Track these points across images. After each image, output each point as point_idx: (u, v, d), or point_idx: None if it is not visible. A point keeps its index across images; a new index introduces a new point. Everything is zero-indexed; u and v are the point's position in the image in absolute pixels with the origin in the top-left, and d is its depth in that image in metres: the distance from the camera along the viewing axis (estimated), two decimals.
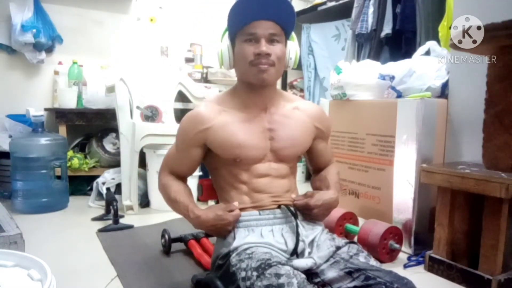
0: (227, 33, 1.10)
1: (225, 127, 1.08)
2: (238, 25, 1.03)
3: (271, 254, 0.94)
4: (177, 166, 1.17)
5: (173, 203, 1.13)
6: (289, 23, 1.06)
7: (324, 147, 1.24)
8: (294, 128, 1.13)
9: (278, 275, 0.84)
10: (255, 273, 0.87)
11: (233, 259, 0.96)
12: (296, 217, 1.05)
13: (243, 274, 0.90)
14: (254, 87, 1.07)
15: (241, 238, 1.01)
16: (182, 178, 1.19)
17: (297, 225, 1.03)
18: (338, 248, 1.00)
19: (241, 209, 1.06)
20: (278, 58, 1.04)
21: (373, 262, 0.96)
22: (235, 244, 1.00)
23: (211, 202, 1.43)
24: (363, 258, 0.97)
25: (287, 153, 1.11)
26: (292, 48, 1.10)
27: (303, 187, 1.34)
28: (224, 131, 1.08)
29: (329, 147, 1.28)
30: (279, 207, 1.08)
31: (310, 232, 1.06)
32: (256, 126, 1.09)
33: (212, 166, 1.17)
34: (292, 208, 1.07)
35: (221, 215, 1.02)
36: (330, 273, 0.95)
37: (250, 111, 1.10)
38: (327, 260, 0.98)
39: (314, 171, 1.29)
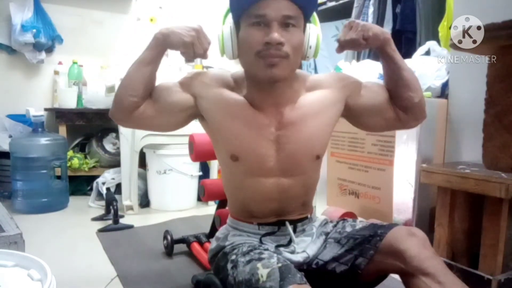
0: (230, 14, 0.88)
1: (221, 102, 0.90)
2: (243, 4, 0.81)
3: (264, 247, 0.93)
4: (160, 90, 0.94)
5: (129, 71, 0.95)
6: (309, 1, 0.83)
7: (371, 91, 0.97)
8: (315, 125, 0.91)
9: (261, 253, 0.84)
10: (241, 255, 0.87)
11: (227, 249, 0.95)
12: (292, 240, 0.96)
13: (233, 257, 0.89)
14: (261, 83, 0.87)
15: (237, 239, 0.99)
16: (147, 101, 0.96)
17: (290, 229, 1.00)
18: (327, 234, 0.99)
19: (240, 219, 1.00)
20: (294, 48, 0.82)
21: (359, 224, 0.96)
22: (230, 240, 0.98)
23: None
24: (350, 227, 0.96)
25: (297, 165, 0.92)
26: (313, 33, 0.86)
27: None
28: (220, 107, 0.90)
29: (372, 87, 0.98)
30: (282, 223, 0.96)
31: (302, 244, 1.00)
32: (261, 131, 0.90)
33: (219, 157, 1.01)
34: (291, 229, 0.96)
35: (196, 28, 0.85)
36: (324, 257, 0.95)
37: (257, 108, 0.90)
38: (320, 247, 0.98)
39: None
